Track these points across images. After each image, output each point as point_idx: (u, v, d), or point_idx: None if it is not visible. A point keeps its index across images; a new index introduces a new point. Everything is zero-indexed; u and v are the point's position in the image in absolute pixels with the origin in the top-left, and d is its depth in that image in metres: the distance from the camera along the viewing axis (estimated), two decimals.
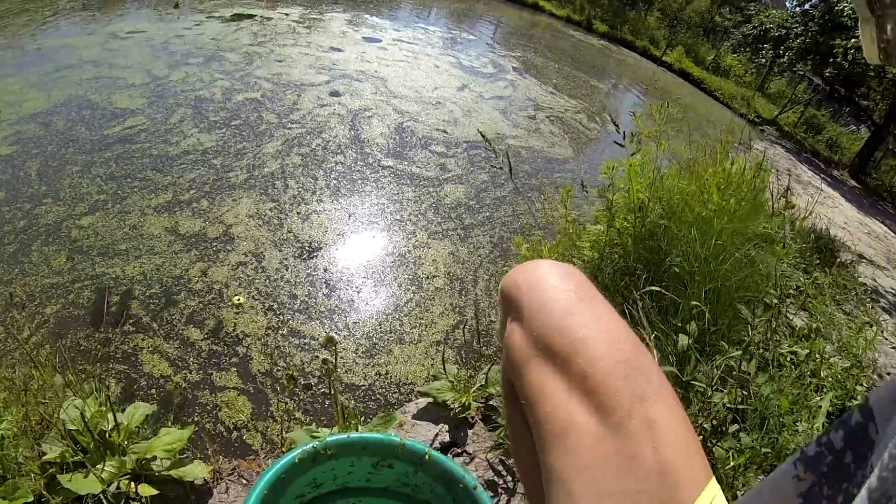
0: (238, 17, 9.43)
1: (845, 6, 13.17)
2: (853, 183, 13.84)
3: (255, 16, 9.62)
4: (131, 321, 3.17)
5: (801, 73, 17.40)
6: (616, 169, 3.60)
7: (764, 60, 17.13)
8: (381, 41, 9.07)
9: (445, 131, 6.05)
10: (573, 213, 4.16)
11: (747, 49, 18.06)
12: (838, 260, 5.41)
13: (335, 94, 6.38)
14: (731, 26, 21.91)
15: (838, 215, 8.85)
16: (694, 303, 2.88)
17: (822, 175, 12.29)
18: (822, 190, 9.73)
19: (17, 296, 3.18)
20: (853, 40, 12.43)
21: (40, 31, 7.99)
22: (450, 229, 4.55)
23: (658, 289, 2.93)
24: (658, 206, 3.59)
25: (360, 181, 4.80)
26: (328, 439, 1.07)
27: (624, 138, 3.54)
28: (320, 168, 4.81)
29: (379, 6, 12.31)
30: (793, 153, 13.09)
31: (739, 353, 2.76)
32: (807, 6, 15.49)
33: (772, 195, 4.72)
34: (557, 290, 0.93)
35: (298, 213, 4.31)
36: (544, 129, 7.05)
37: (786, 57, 15.71)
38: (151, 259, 3.61)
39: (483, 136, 2.89)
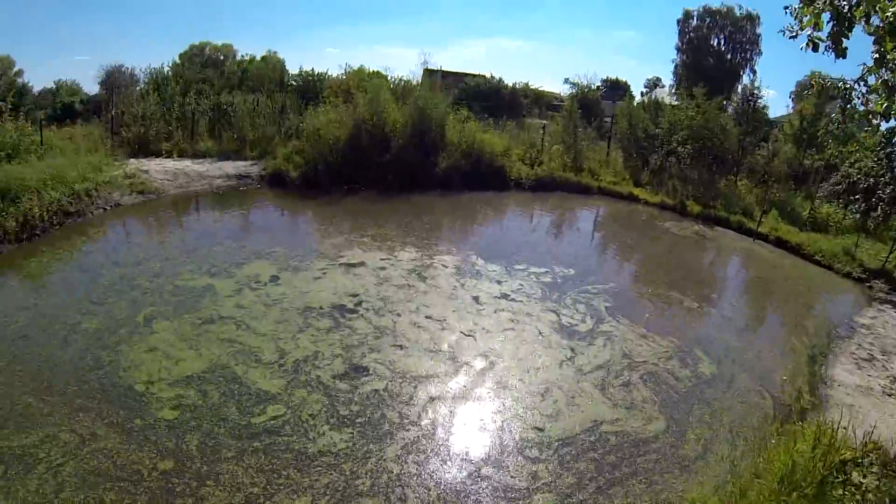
0: (353, 265, 11.67)
1: None
2: None
3: (366, 263, 11.86)
4: None
5: None
6: None
7: (858, 216, 17.71)
8: (485, 303, 10.75)
9: (541, 429, 7.36)
10: None
11: (840, 200, 18.86)
12: None
13: (452, 388, 7.85)
14: (819, 169, 23.03)
15: None
16: None
17: None
18: None
19: None
20: None
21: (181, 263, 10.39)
22: None
23: None
24: None
25: (462, 494, 6.12)
26: None
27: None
28: (431, 478, 6.20)
29: (483, 237, 14.60)
30: None
31: None
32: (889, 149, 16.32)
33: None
34: None
35: None
36: (637, 397, 8.08)
37: (879, 209, 16.37)
38: None
39: None
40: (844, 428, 7.03)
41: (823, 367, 9.66)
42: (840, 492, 5.91)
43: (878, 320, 12.36)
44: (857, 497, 5.94)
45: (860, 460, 6.55)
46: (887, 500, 5.86)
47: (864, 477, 6.26)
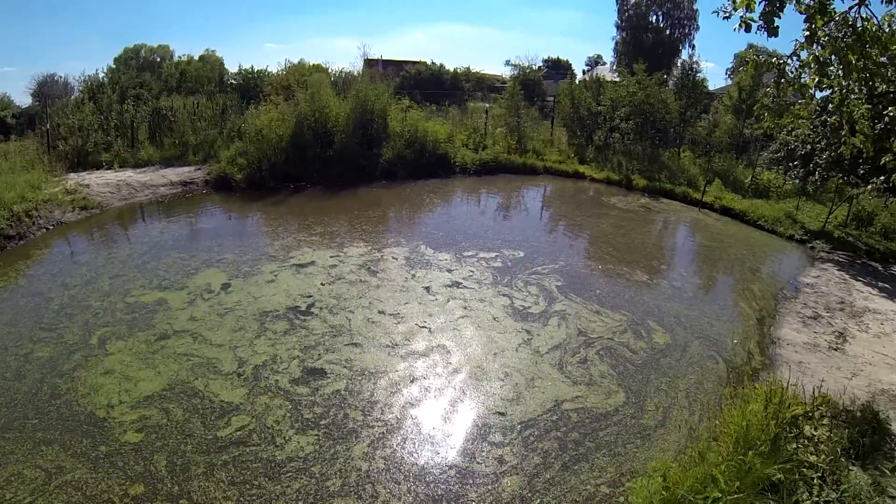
0: (303, 265, 11.69)
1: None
2: None
3: (316, 262, 11.92)
4: None
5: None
6: None
7: (797, 181, 18.51)
8: (437, 292, 10.88)
9: (503, 413, 7.52)
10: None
11: (780, 167, 19.74)
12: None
13: (412, 381, 7.95)
14: (759, 138, 23.96)
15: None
16: None
17: (880, 285, 12.81)
18: (883, 319, 10.62)
19: None
20: None
21: (131, 280, 10.27)
22: None
23: None
24: None
25: (432, 484, 6.25)
26: None
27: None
28: (399, 471, 6.31)
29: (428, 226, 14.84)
30: (845, 268, 13.96)
31: None
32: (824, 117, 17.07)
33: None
34: None
35: None
36: (595, 373, 8.33)
37: (816, 174, 17.29)
38: None
39: None
40: (794, 385, 7.39)
41: (772, 328, 10.08)
42: (793, 446, 6.23)
43: (822, 279, 12.94)
44: (811, 449, 6.26)
45: (811, 414, 6.89)
46: (839, 450, 6.18)
47: (816, 429, 6.60)
